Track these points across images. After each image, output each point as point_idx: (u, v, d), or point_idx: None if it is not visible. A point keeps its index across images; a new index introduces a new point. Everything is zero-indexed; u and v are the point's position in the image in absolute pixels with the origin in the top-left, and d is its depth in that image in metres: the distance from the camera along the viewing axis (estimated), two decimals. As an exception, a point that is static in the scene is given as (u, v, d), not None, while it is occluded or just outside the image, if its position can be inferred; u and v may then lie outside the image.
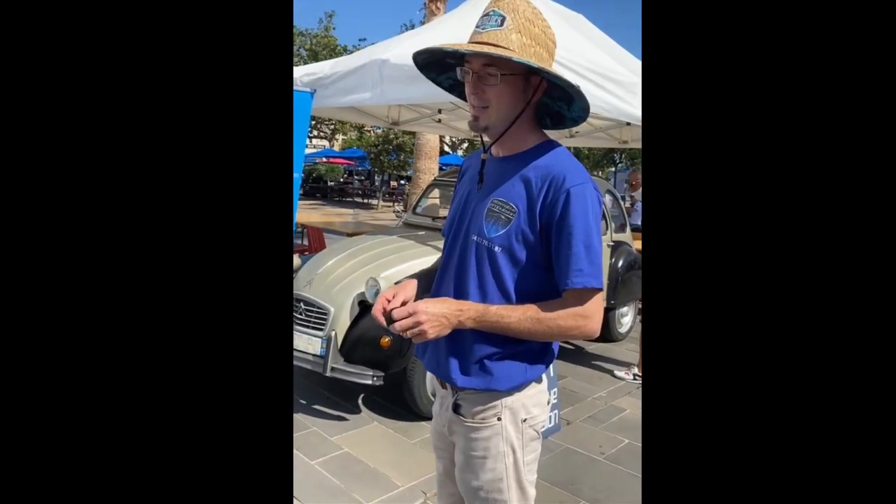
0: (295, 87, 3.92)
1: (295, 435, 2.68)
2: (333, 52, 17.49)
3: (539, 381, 1.15)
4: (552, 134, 1.19)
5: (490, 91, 1.04)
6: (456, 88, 1.23)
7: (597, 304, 1.05)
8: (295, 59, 17.11)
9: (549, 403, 1.19)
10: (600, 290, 1.04)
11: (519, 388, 1.11)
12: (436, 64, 1.18)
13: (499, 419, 1.11)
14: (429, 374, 1.25)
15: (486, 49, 1.01)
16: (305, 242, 5.64)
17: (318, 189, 20.67)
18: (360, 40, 20.91)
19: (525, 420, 1.12)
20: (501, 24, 1.02)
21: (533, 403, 1.13)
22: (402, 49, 3.37)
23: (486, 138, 1.14)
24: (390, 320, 1.00)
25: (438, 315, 1.01)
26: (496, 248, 1.07)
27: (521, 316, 1.03)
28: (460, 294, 1.10)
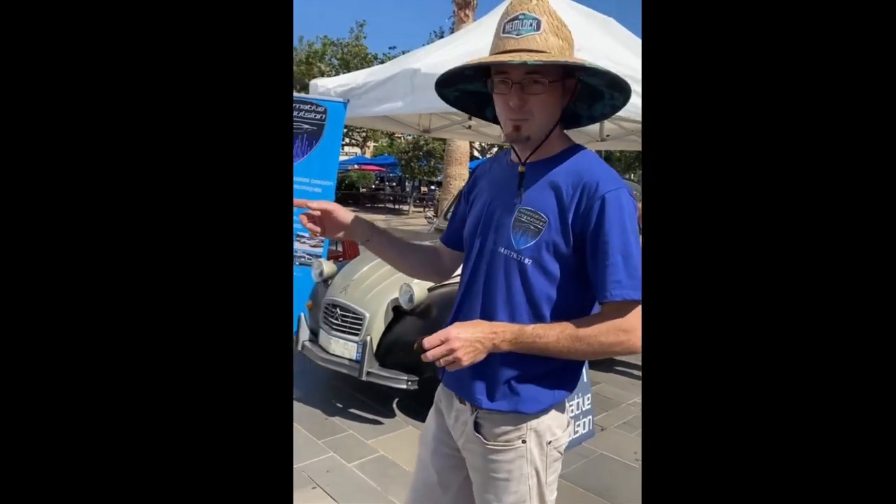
0: (329, 98, 4.02)
1: (332, 437, 2.75)
2: (364, 60, 17.76)
3: (563, 402, 1.11)
4: (580, 138, 1.19)
5: (533, 100, 1.00)
6: (461, 101, 1.19)
7: (638, 317, 0.97)
8: (327, 69, 17.44)
9: (568, 424, 1.15)
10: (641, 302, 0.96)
11: (546, 410, 1.07)
12: (449, 78, 1.11)
13: (523, 441, 1.07)
14: (441, 386, 1.25)
15: (561, 59, 0.97)
16: (340, 249, 5.74)
17: (350, 196, 21.00)
18: (389, 48, 21.21)
19: (550, 442, 1.09)
20: (538, 28, 0.98)
21: (557, 425, 1.10)
22: (433, 59, 3.43)
23: (517, 147, 1.09)
24: (422, 350, 0.96)
25: (472, 340, 0.96)
26: (526, 261, 1.02)
27: (558, 335, 0.98)
28: (488, 311, 1.06)
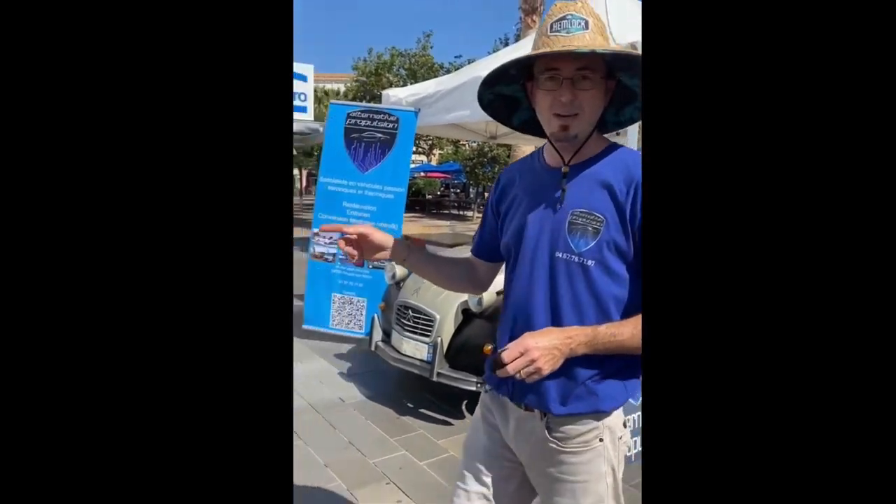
0: (400, 107, 4.16)
1: (403, 436, 2.83)
2: (430, 69, 18.07)
3: None
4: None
5: (583, 95, 1.00)
6: (492, 105, 1.18)
7: None
8: (395, 79, 17.90)
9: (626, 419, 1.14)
10: None
11: (621, 405, 1.07)
12: (493, 77, 1.11)
13: (601, 440, 1.06)
14: (487, 395, 1.22)
15: (626, 50, 0.99)
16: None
17: (416, 202, 21.39)
18: (455, 57, 21.49)
19: (621, 437, 1.09)
20: (587, 28, 1.00)
21: (621, 420, 1.10)
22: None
23: (560, 148, 1.07)
24: (499, 364, 0.93)
25: (550, 348, 0.95)
26: (589, 262, 1.02)
27: (632, 330, 0.98)
28: (557, 318, 1.05)
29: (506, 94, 1.16)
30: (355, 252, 1.15)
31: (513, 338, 1.00)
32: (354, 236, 1.15)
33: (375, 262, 1.39)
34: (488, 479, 1.19)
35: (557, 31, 1.01)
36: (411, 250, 1.23)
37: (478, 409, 1.25)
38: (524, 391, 1.09)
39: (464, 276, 1.32)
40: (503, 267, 1.24)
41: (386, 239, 1.18)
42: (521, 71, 1.08)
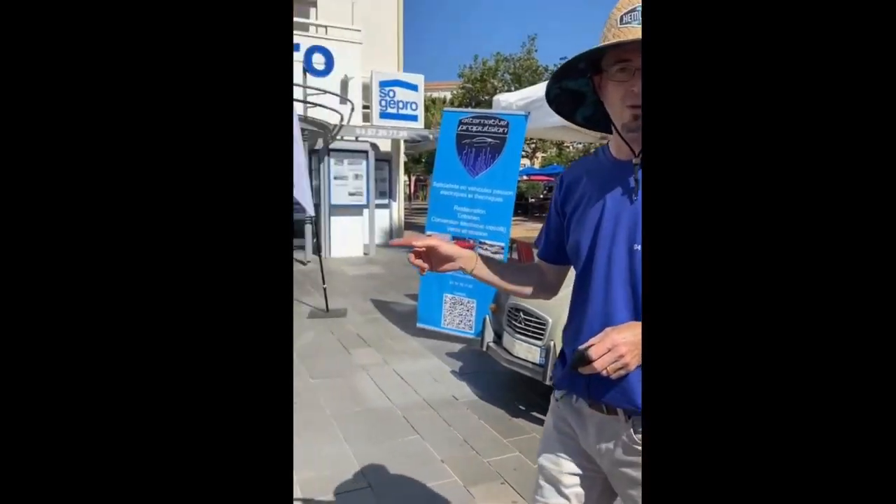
0: (511, 112, 4.20)
1: (517, 438, 2.85)
2: (535, 73, 17.97)
3: None
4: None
5: None
6: (557, 100, 1.18)
7: None
8: (499, 84, 18.02)
9: None
10: None
11: None
12: (561, 71, 1.11)
13: None
14: (557, 404, 1.20)
15: None
16: (516, 256, 5.91)
17: (519, 206, 21.27)
18: (560, 59, 21.11)
19: None
20: None
21: None
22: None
23: (630, 139, 1.05)
24: (585, 361, 0.91)
25: (636, 342, 0.92)
26: None
27: None
28: (639, 312, 1.02)
29: (572, 89, 1.16)
30: (425, 265, 1.18)
31: (593, 334, 0.98)
32: (423, 249, 1.18)
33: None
34: (568, 491, 1.18)
35: (629, 22, 1.00)
36: (479, 259, 1.25)
37: (548, 420, 1.24)
38: (603, 389, 1.06)
39: (533, 282, 1.32)
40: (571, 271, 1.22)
41: (454, 250, 1.20)
42: (589, 64, 1.08)
